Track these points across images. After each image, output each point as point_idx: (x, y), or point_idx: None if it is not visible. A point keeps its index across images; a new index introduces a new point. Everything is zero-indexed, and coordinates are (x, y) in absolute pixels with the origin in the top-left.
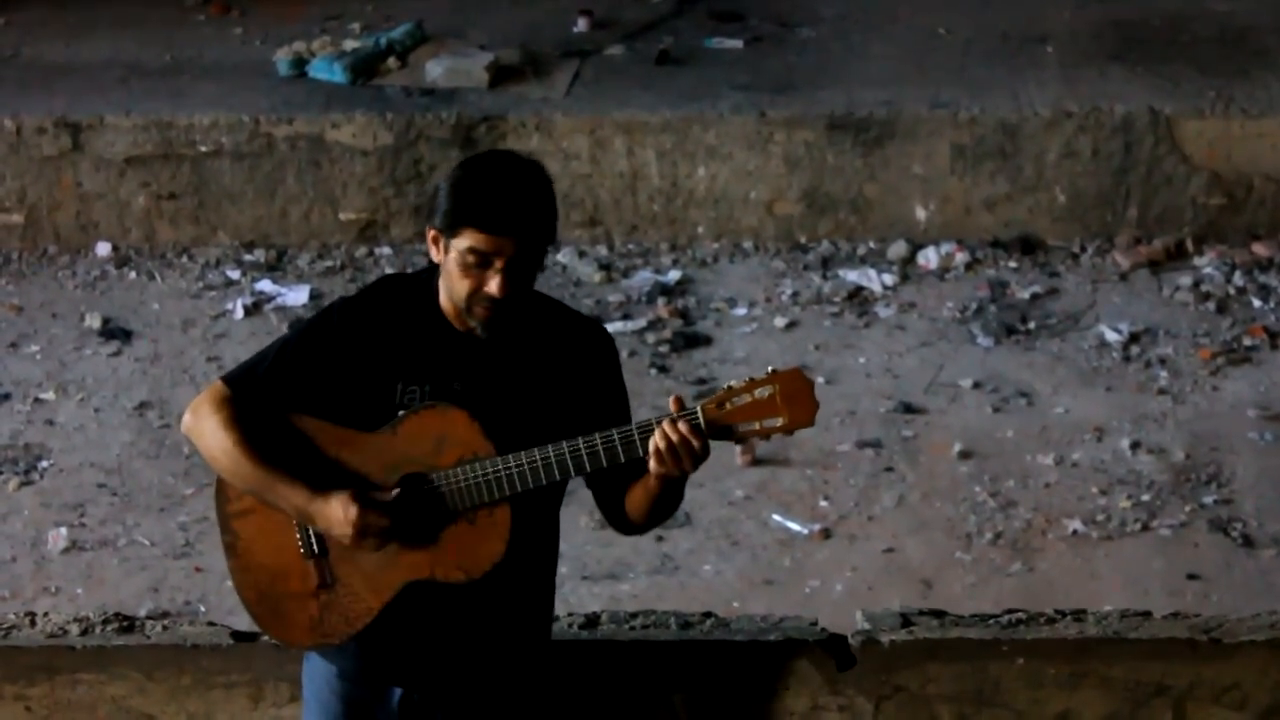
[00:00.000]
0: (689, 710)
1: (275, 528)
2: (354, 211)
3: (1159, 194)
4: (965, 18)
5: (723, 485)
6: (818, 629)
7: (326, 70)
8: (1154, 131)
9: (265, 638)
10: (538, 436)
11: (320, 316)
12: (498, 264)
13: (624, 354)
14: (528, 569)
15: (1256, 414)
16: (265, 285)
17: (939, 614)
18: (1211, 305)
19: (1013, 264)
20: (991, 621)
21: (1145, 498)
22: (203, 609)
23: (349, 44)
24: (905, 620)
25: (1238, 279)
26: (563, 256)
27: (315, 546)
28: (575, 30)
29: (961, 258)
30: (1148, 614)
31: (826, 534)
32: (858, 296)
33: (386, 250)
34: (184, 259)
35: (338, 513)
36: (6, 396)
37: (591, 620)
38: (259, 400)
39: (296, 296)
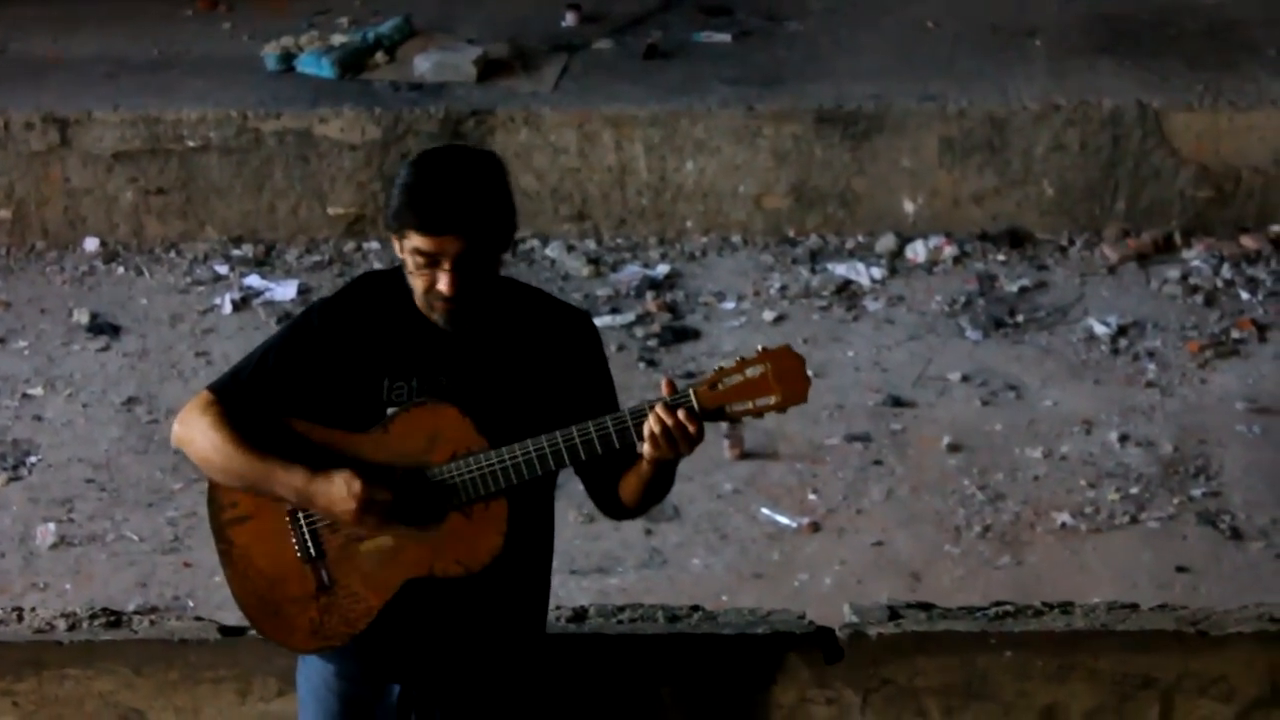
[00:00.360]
0: (677, 703)
1: (271, 533)
2: (342, 206)
3: (1147, 187)
4: (953, 11)
5: (711, 479)
6: (805, 622)
7: (314, 65)
8: (1142, 125)
9: (252, 632)
10: (527, 426)
11: (301, 318)
12: (445, 263)
13: (612, 348)
14: (524, 561)
15: (1244, 406)
16: (253, 280)
17: (927, 607)
18: (1199, 298)
19: (1001, 257)
20: (979, 614)
21: (1134, 490)
22: (191, 604)
23: (337, 39)
24: (893, 613)
25: (1226, 272)
26: (551, 250)
27: (313, 549)
28: (563, 24)
29: (950, 251)
30: (1135, 606)
31: (815, 527)
32: (846, 290)
33: (374, 245)
34: (172, 254)
35: (340, 489)
36: None
37: (579, 614)
38: (246, 405)
39: (285, 291)
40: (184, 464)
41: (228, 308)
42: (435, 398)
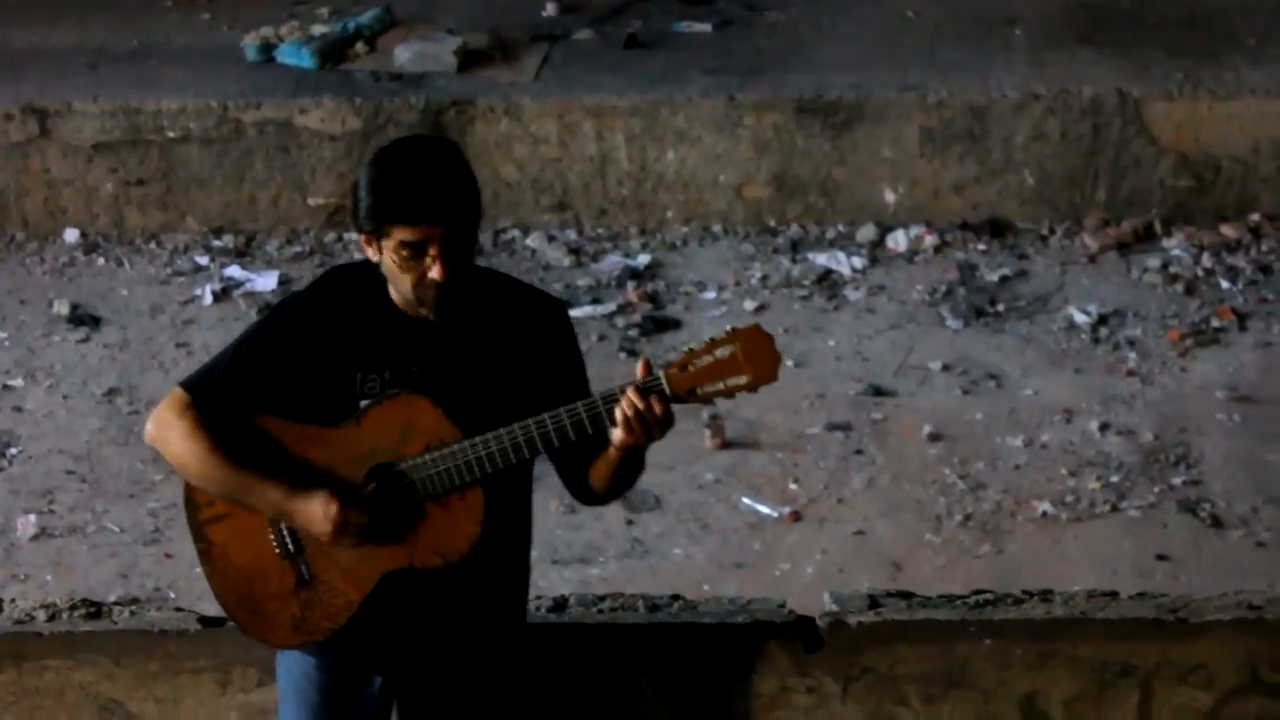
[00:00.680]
0: (657, 693)
1: (250, 530)
2: (323, 197)
3: (1127, 176)
4: (934, 1)
5: (693, 469)
6: (785, 611)
7: (294, 55)
8: (1122, 114)
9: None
10: (500, 414)
11: (272, 314)
12: (432, 251)
13: (593, 338)
14: (502, 549)
15: (1225, 395)
16: (234, 271)
17: (906, 595)
18: (1180, 287)
19: (982, 246)
20: (959, 603)
21: (1114, 479)
22: (172, 595)
23: (317, 29)
24: (873, 602)
25: (1206, 260)
26: (532, 241)
27: (291, 545)
28: (544, 14)
29: (930, 240)
30: (1114, 594)
31: (796, 517)
32: (827, 280)
33: (355, 235)
34: (152, 245)
35: (317, 511)
36: None
37: (560, 603)
38: (221, 404)
39: (265, 282)
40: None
41: (208, 299)
42: (407, 389)
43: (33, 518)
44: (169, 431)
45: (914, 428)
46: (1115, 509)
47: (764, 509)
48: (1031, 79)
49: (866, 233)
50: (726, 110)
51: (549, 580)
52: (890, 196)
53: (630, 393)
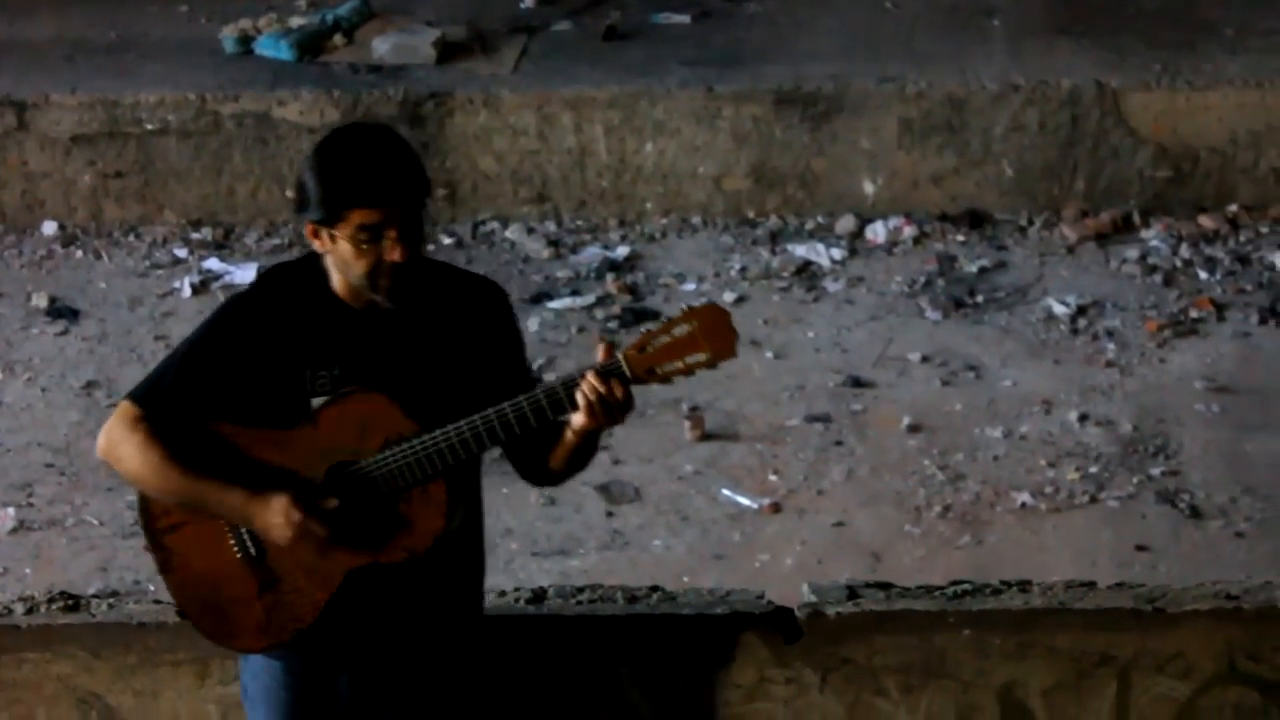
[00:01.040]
0: (636, 683)
1: (209, 536)
2: None
3: (1106, 167)
4: None
5: (672, 460)
6: (764, 602)
7: (273, 47)
8: (1100, 104)
9: None
10: (451, 402)
11: (215, 318)
12: (390, 233)
13: (573, 330)
14: (461, 539)
15: (1203, 385)
16: (213, 264)
17: (885, 586)
18: (1158, 278)
19: (960, 238)
20: (937, 593)
21: (1093, 470)
22: (151, 588)
23: (295, 21)
24: (852, 593)
25: (1184, 251)
26: (511, 233)
27: (253, 548)
28: (522, 6)
29: (909, 232)
30: (1093, 584)
31: (776, 508)
32: (806, 271)
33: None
34: (131, 237)
35: (278, 517)
36: None
37: (538, 595)
38: (172, 413)
39: (244, 274)
40: None
41: (187, 291)
42: (361, 386)
43: (11, 511)
44: (122, 447)
45: (893, 419)
46: (1094, 500)
47: (743, 500)
48: (1010, 70)
49: (845, 224)
50: (705, 102)
51: (528, 571)
52: (869, 188)
53: (591, 377)
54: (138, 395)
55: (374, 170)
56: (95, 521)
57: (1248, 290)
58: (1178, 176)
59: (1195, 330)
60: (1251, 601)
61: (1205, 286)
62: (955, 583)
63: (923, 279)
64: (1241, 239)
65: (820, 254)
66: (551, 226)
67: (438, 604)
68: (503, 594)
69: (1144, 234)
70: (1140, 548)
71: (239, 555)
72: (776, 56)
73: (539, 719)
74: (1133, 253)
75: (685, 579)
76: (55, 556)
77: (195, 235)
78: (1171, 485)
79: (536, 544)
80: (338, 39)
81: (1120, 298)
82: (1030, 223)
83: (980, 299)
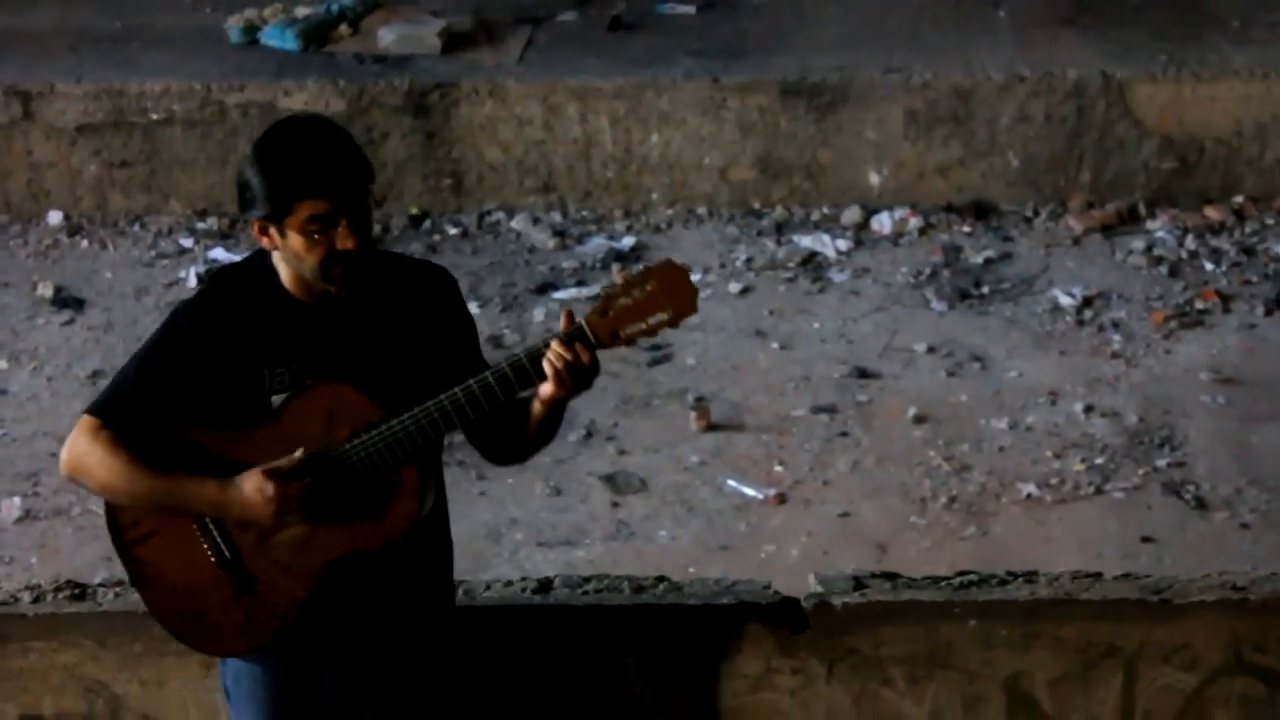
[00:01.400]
0: (642, 674)
1: (180, 543)
2: None
3: (1111, 158)
4: None
5: (678, 451)
6: (770, 592)
7: (278, 37)
8: (1106, 96)
9: None
10: (411, 387)
11: (168, 325)
12: (342, 221)
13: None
14: (431, 523)
15: (1209, 377)
16: (218, 253)
17: (891, 576)
18: (1164, 269)
19: (966, 229)
20: (943, 584)
21: (1099, 461)
22: None
23: (301, 11)
24: (858, 583)
25: (1190, 242)
26: (516, 223)
27: (227, 551)
28: None
29: (915, 223)
30: (1099, 575)
31: (782, 499)
32: (812, 262)
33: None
34: (136, 227)
35: (254, 494)
36: None
37: (545, 585)
38: (133, 422)
39: None
40: None
41: (192, 281)
42: (323, 378)
43: (17, 500)
44: (86, 458)
45: (899, 410)
46: (1100, 491)
47: (749, 491)
48: (1016, 61)
49: (851, 215)
50: (711, 93)
51: (534, 562)
52: (875, 179)
53: (556, 344)
54: (96, 409)
55: (319, 161)
56: (101, 511)
57: (1253, 281)
58: (1183, 168)
59: (1201, 322)
60: (1258, 592)
61: (1211, 278)
62: (961, 573)
63: (928, 270)
64: (1247, 230)
65: (826, 245)
66: (557, 217)
67: (412, 593)
68: (509, 584)
69: (1149, 225)
70: (1146, 539)
71: (213, 559)
72: (782, 47)
73: (546, 709)
74: (1138, 244)
75: (690, 570)
76: (61, 546)
77: (200, 225)
78: (1177, 476)
79: (542, 534)
80: (343, 29)
81: (1126, 289)
82: (1036, 214)
83: (986, 290)
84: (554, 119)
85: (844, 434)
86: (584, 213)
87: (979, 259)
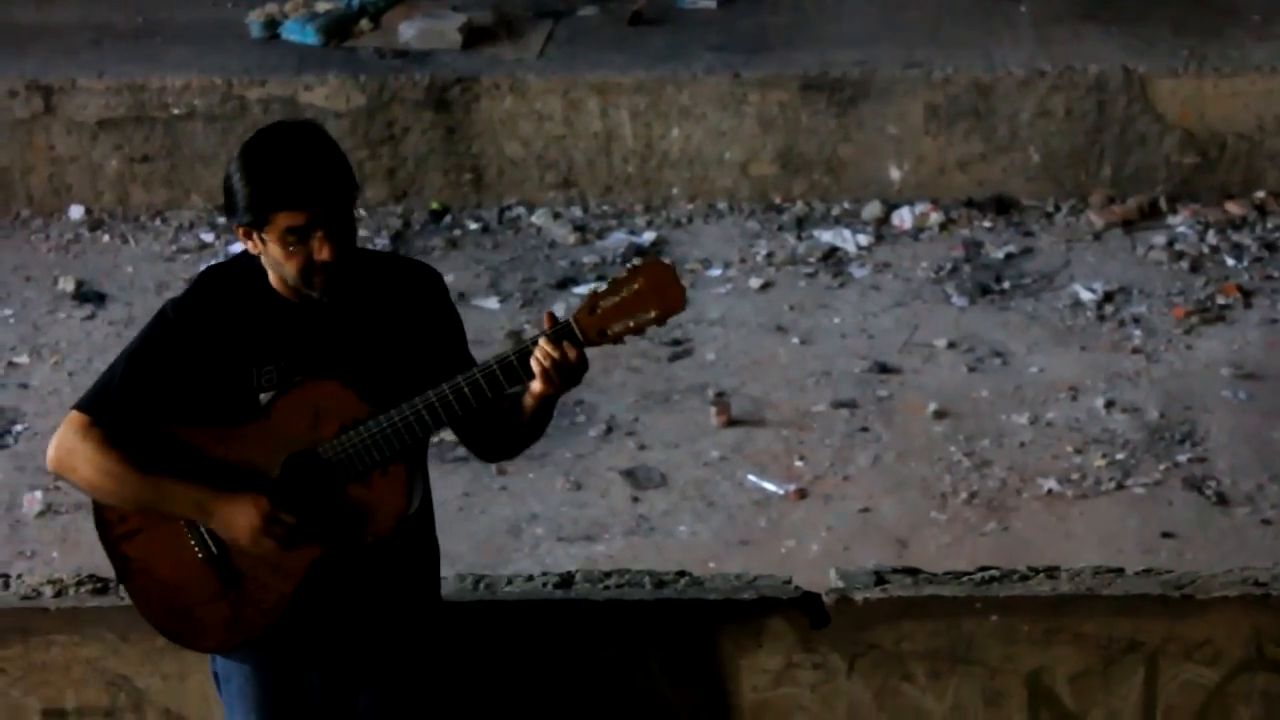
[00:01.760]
0: (664, 668)
1: (167, 540)
2: None
3: (1133, 153)
4: None
5: (698, 446)
6: (792, 587)
7: (299, 32)
8: (1127, 91)
9: None
10: (399, 385)
11: (156, 322)
12: (318, 232)
13: None
14: (417, 521)
15: (1230, 372)
16: (238, 248)
17: (913, 572)
18: (1185, 264)
19: (987, 224)
20: (965, 579)
21: (1120, 456)
22: None
23: (321, 5)
24: (879, 578)
25: (1211, 238)
26: (537, 218)
27: (214, 547)
28: None
29: (936, 218)
30: (1120, 570)
31: (802, 494)
32: (832, 257)
33: (360, 213)
34: (157, 222)
35: (239, 519)
36: None
37: (566, 580)
38: (121, 419)
39: None
40: None
41: None
42: (312, 374)
43: (39, 494)
44: (74, 456)
45: (919, 405)
46: (1120, 486)
47: (769, 486)
48: (1036, 56)
49: (872, 210)
50: (731, 87)
51: (554, 557)
52: (895, 174)
53: (544, 342)
54: (84, 405)
55: (296, 172)
56: None
57: (1275, 277)
58: (1205, 163)
59: (1222, 317)
60: (1279, 588)
61: (1232, 273)
62: (983, 569)
63: (949, 265)
64: (1269, 225)
65: (846, 240)
66: (577, 212)
67: (399, 590)
68: (530, 579)
69: (1171, 220)
70: (1167, 534)
71: (200, 555)
72: (803, 42)
73: (567, 703)
74: (1160, 239)
75: (711, 565)
76: (82, 540)
77: (221, 220)
78: (1198, 472)
79: (562, 529)
80: (364, 23)
81: (1147, 284)
82: (1057, 209)
83: (1007, 285)
84: (574, 114)
85: (864, 429)
86: (604, 207)
87: (1000, 254)
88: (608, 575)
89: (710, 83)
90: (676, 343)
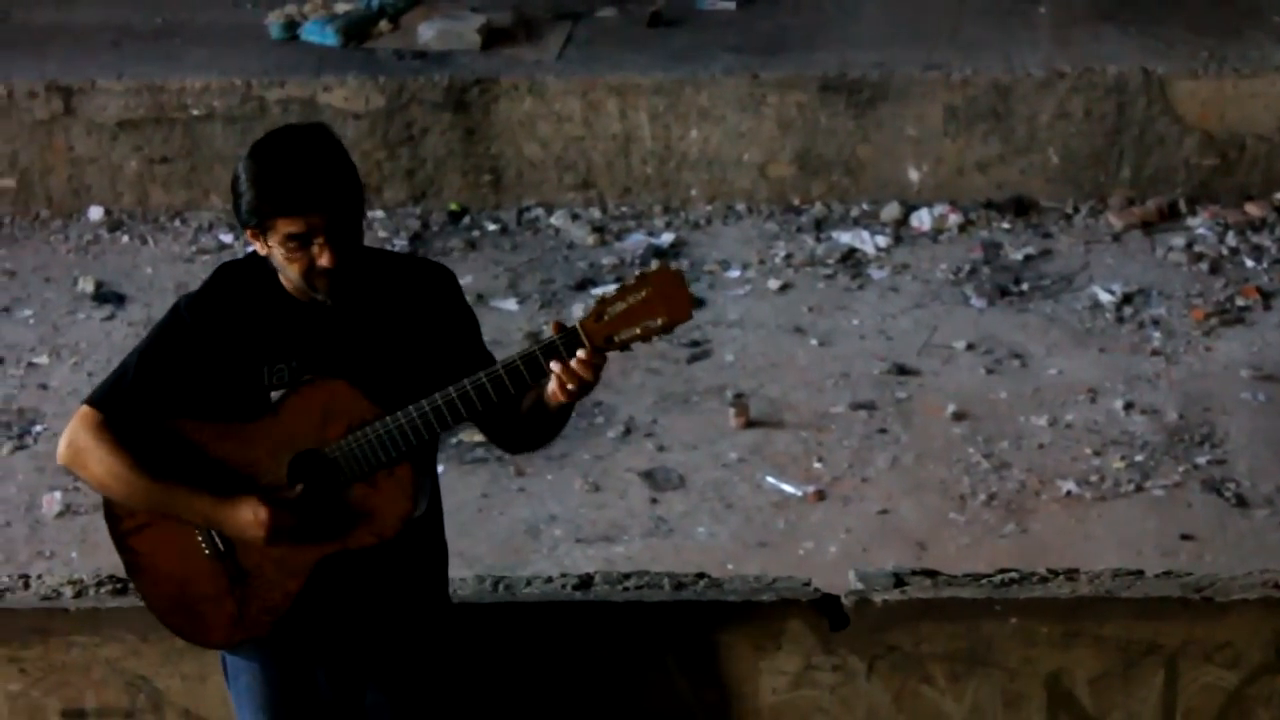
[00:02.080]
0: (683, 670)
1: (176, 535)
2: None
3: (1152, 154)
4: None
5: (716, 448)
6: (811, 589)
7: (318, 33)
8: (1147, 92)
9: None
10: (411, 386)
11: (169, 318)
12: (318, 239)
13: None
14: (424, 523)
15: (1249, 374)
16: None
17: (932, 574)
18: (1204, 266)
19: (1006, 225)
20: (984, 581)
21: (1139, 458)
22: None
23: (341, 7)
24: (898, 580)
25: (1230, 239)
26: (555, 219)
27: (220, 544)
28: None
29: (955, 219)
30: (1140, 573)
31: (820, 496)
32: (851, 258)
33: (379, 213)
34: (176, 223)
35: (246, 517)
36: (0, 361)
37: (585, 581)
38: (133, 416)
39: None
40: None
41: None
42: (321, 374)
43: (58, 495)
44: (85, 455)
45: (938, 407)
46: (1139, 488)
47: (788, 488)
48: (1055, 57)
49: (890, 211)
50: (750, 89)
51: (573, 558)
52: (914, 175)
53: (552, 350)
54: (97, 399)
55: (296, 179)
56: None
57: None
58: (1224, 164)
59: (1242, 319)
60: None
61: (1252, 275)
62: (1002, 571)
63: (968, 266)
64: None
65: (865, 241)
66: (596, 213)
67: (405, 591)
68: (549, 580)
69: (1190, 222)
70: (1186, 537)
71: (207, 552)
72: (822, 43)
73: (587, 704)
74: (1179, 241)
75: (729, 566)
76: (101, 540)
77: None
78: (1217, 474)
79: (581, 530)
80: (383, 24)
81: (1166, 286)
82: (1076, 210)
83: (1025, 287)
84: (593, 115)
85: (883, 431)
86: (623, 209)
87: (1018, 256)
88: (627, 577)
89: (729, 84)
90: (695, 344)
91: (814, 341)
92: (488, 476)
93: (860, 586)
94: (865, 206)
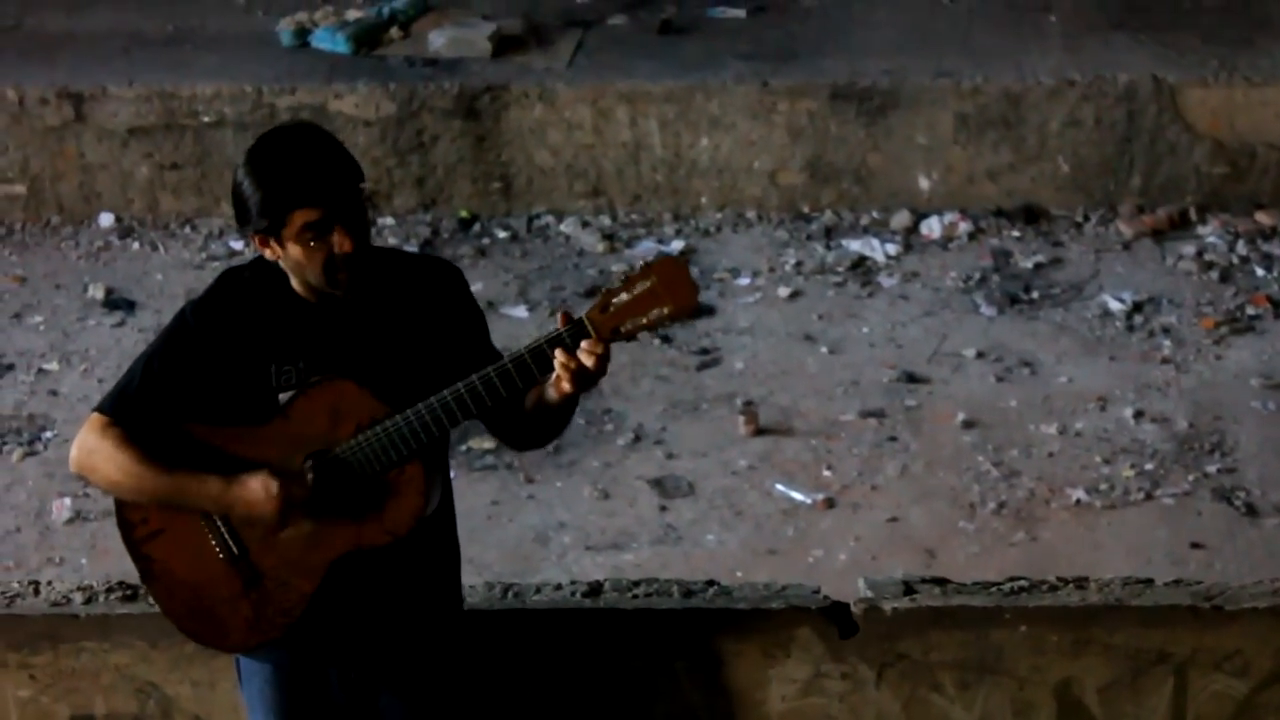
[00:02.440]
0: (692, 677)
1: (189, 540)
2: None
3: (1162, 163)
4: None
5: (726, 455)
6: (820, 597)
7: (329, 40)
8: (1157, 100)
9: None
10: (420, 384)
11: (176, 323)
12: (337, 227)
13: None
14: (437, 522)
15: (1260, 383)
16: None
17: (941, 582)
18: (1215, 274)
19: (1016, 233)
20: (994, 589)
21: (1148, 467)
22: None
23: (352, 14)
24: (908, 588)
25: (1241, 248)
26: (566, 226)
27: (235, 547)
28: (578, 0)
29: (965, 227)
30: (1150, 581)
31: (830, 503)
32: (861, 266)
33: (389, 220)
34: (187, 229)
35: (258, 492)
36: (10, 367)
37: (594, 589)
38: (141, 419)
39: None
40: None
41: None
42: (329, 375)
43: (68, 501)
44: (94, 455)
45: (948, 415)
46: (1149, 497)
47: (797, 495)
48: (1066, 65)
49: (901, 219)
50: (760, 96)
51: (581, 565)
52: (924, 183)
53: (559, 342)
54: (105, 407)
55: (307, 170)
56: None
57: None
58: (1235, 173)
59: (1252, 327)
60: None
61: (1262, 283)
62: (1012, 579)
63: (978, 275)
64: None
65: (875, 249)
66: (606, 220)
67: (418, 592)
68: (558, 587)
69: (1200, 230)
70: (1196, 545)
71: (221, 556)
72: (832, 51)
73: (596, 712)
74: (1189, 249)
75: (738, 574)
76: (111, 546)
77: None
78: (1227, 483)
79: (590, 538)
80: (394, 32)
81: (1176, 294)
82: (1086, 219)
83: (1035, 295)
84: (603, 123)
85: (892, 439)
86: (633, 216)
87: (1029, 264)
88: (636, 584)
89: (739, 92)
90: (705, 351)
91: (824, 349)
92: (497, 484)
93: (869, 594)
94: (875, 214)
